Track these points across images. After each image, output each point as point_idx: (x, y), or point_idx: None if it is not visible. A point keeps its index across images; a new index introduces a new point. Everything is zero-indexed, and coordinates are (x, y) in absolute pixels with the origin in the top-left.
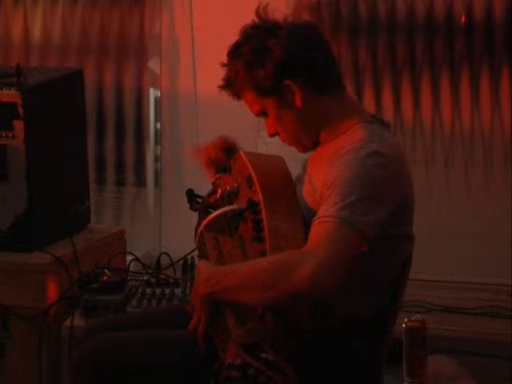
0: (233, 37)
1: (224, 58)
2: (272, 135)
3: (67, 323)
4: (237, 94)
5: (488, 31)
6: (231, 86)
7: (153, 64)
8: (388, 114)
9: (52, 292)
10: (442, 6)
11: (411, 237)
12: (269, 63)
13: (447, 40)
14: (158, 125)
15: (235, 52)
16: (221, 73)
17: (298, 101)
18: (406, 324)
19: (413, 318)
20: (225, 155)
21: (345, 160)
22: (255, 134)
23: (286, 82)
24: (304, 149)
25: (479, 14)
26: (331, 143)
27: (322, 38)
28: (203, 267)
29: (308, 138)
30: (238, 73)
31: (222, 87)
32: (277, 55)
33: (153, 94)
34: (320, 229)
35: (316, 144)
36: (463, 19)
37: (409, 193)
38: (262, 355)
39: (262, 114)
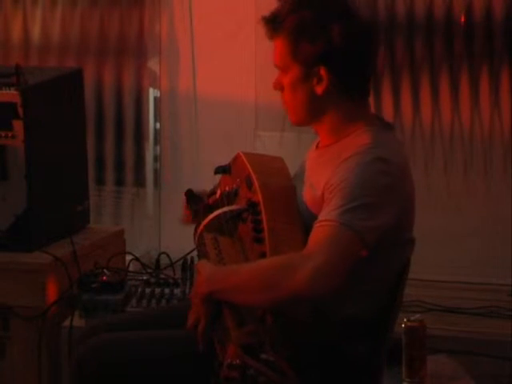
0: (232, 37)
1: (223, 59)
2: (275, 89)
3: (67, 323)
4: (271, 36)
5: (487, 31)
6: (273, 26)
7: (152, 64)
8: (387, 115)
9: (52, 292)
10: (441, 6)
11: (411, 240)
12: (320, 43)
13: (447, 40)
14: (158, 125)
15: (298, 4)
16: (220, 73)
17: (320, 89)
18: (405, 324)
19: (412, 318)
20: (192, 205)
21: (348, 165)
22: (253, 134)
23: (321, 68)
24: (295, 121)
25: (479, 14)
26: (334, 145)
27: (378, 44)
28: (203, 267)
29: (305, 118)
30: (286, 24)
31: (264, 18)
32: (332, 42)
33: (152, 93)
34: (320, 232)
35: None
36: (463, 19)
37: (410, 198)
38: (262, 356)
39: (281, 68)
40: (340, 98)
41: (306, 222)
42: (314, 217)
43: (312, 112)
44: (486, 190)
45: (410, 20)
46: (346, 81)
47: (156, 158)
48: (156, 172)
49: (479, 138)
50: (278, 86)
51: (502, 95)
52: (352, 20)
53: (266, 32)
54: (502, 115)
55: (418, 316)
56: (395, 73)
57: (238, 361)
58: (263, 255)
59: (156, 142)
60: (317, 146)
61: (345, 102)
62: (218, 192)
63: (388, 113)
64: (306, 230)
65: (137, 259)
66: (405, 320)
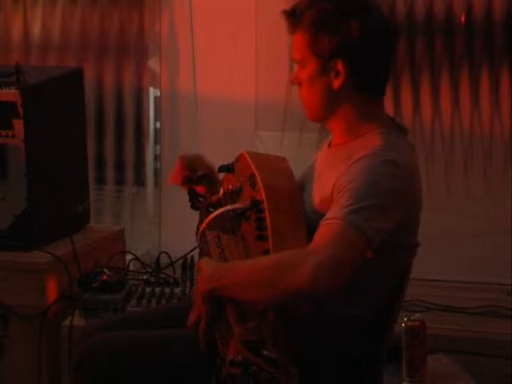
0: (232, 36)
1: (224, 59)
2: (292, 83)
3: (67, 323)
4: (292, 30)
5: (488, 31)
6: (293, 19)
7: (152, 63)
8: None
9: (51, 291)
10: (441, 5)
11: (415, 244)
12: (338, 37)
13: (447, 40)
14: (158, 124)
15: None
16: (221, 73)
17: (337, 83)
18: (405, 323)
19: (412, 318)
20: (191, 171)
21: (358, 166)
22: (253, 133)
23: (339, 61)
24: (312, 117)
25: (479, 13)
26: (345, 145)
27: (395, 42)
28: (205, 264)
29: (321, 113)
30: (306, 17)
31: (284, 12)
32: (350, 36)
33: (152, 93)
34: (326, 230)
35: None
36: (463, 19)
37: (417, 203)
38: (264, 352)
39: (299, 63)
40: (356, 95)
41: (313, 221)
42: (322, 216)
43: (328, 107)
44: (486, 189)
45: (410, 20)
46: (362, 76)
47: (156, 158)
48: (156, 171)
49: (479, 137)
50: (296, 81)
51: (503, 95)
52: (371, 15)
53: (286, 26)
54: (502, 115)
55: (418, 315)
56: (395, 73)
57: (239, 357)
58: (266, 252)
59: (156, 141)
60: (329, 145)
61: (360, 100)
62: (221, 191)
63: (388, 112)
64: (313, 229)
65: (137, 259)
66: (405, 319)
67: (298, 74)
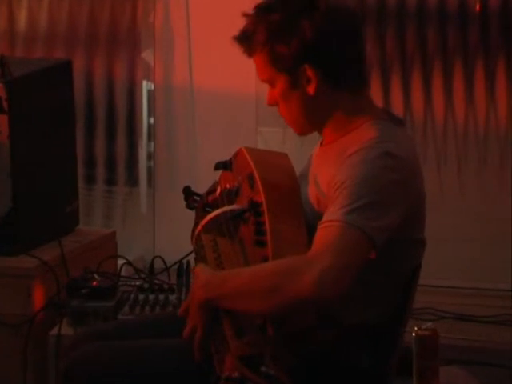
0: (230, 27)
1: (221, 50)
2: (270, 105)
3: (54, 331)
4: (249, 53)
5: (504, 21)
6: (246, 42)
7: (146, 55)
8: (397, 109)
9: (38, 298)
10: None
11: (422, 241)
12: (294, 43)
13: (460, 31)
14: (152, 120)
15: (263, 12)
16: (218, 65)
17: (311, 89)
18: (416, 333)
19: (423, 327)
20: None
21: (353, 161)
22: (254, 129)
23: (305, 67)
24: (301, 132)
25: (494, 3)
26: (339, 141)
27: (357, 30)
28: (201, 271)
29: (308, 125)
30: (257, 36)
31: (235, 38)
32: (306, 38)
33: (146, 86)
34: (326, 233)
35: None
36: (478, 8)
37: (420, 197)
38: (262, 369)
39: (268, 83)
40: (335, 94)
41: (312, 221)
42: (318, 215)
43: (312, 116)
44: (504, 193)
45: (421, 8)
46: (334, 73)
47: (150, 156)
48: (150, 170)
49: (494, 134)
50: (273, 101)
51: None
52: (320, 11)
53: (243, 51)
54: None
55: (429, 324)
56: (405, 65)
57: (236, 374)
58: (265, 259)
59: (150, 138)
60: (321, 143)
61: (342, 97)
62: (218, 190)
63: (397, 107)
64: (311, 230)
65: (129, 263)
66: (416, 328)
67: (270, 94)
